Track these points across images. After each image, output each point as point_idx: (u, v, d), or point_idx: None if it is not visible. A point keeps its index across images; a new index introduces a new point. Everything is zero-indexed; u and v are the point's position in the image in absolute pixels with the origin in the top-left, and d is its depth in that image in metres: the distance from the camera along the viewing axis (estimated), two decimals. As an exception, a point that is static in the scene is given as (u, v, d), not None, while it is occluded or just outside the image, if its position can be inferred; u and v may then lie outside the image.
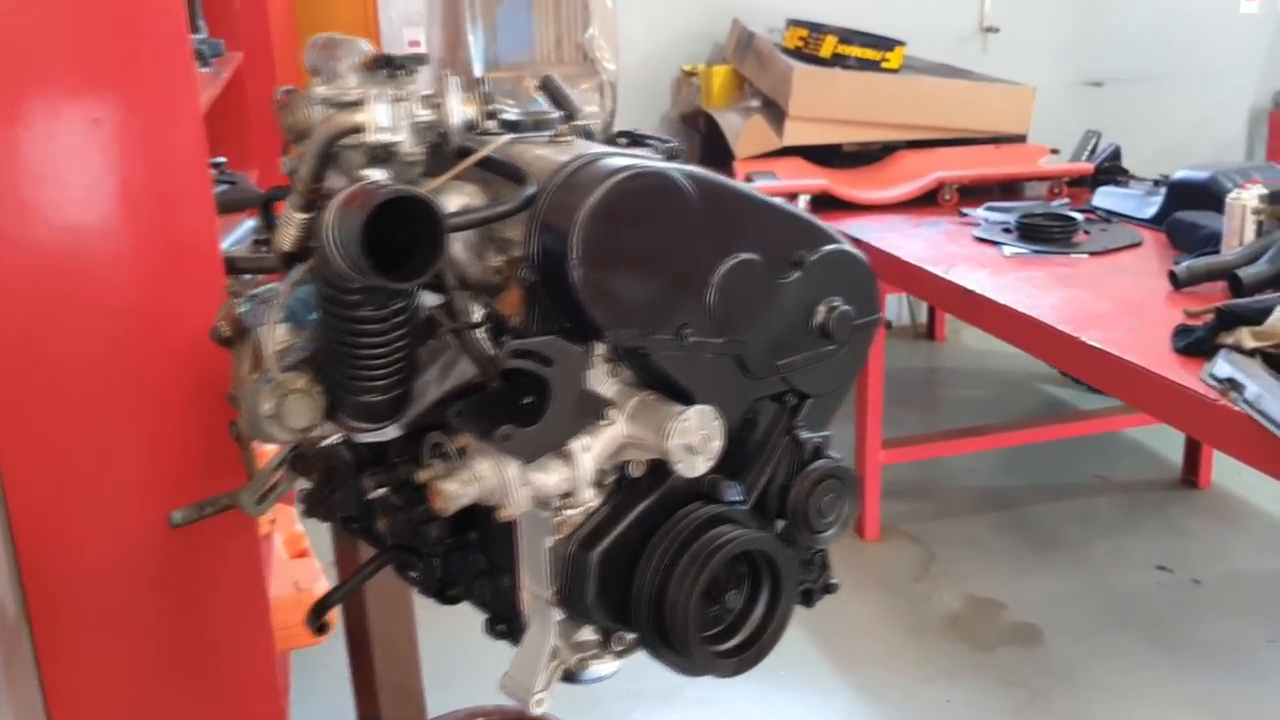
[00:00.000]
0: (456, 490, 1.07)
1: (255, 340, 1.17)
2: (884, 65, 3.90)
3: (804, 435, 1.22)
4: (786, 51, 3.99)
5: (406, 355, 1.08)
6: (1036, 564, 3.24)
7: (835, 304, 1.23)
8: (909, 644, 2.89)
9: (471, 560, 1.30)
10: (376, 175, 0.98)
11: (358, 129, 1.11)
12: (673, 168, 1.10)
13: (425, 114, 1.12)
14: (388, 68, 1.17)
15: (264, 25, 3.33)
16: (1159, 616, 2.99)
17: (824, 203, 3.59)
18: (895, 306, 5.39)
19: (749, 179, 3.75)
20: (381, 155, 1.13)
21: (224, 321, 1.20)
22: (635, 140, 1.31)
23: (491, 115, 1.15)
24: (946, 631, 2.94)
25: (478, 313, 1.12)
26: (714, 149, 4.18)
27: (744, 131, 3.90)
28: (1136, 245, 2.99)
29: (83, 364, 1.77)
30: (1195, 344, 2.09)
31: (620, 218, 1.04)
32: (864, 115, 3.83)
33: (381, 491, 1.22)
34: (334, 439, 1.25)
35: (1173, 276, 2.52)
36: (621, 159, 1.08)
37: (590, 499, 1.13)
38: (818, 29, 3.91)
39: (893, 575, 3.19)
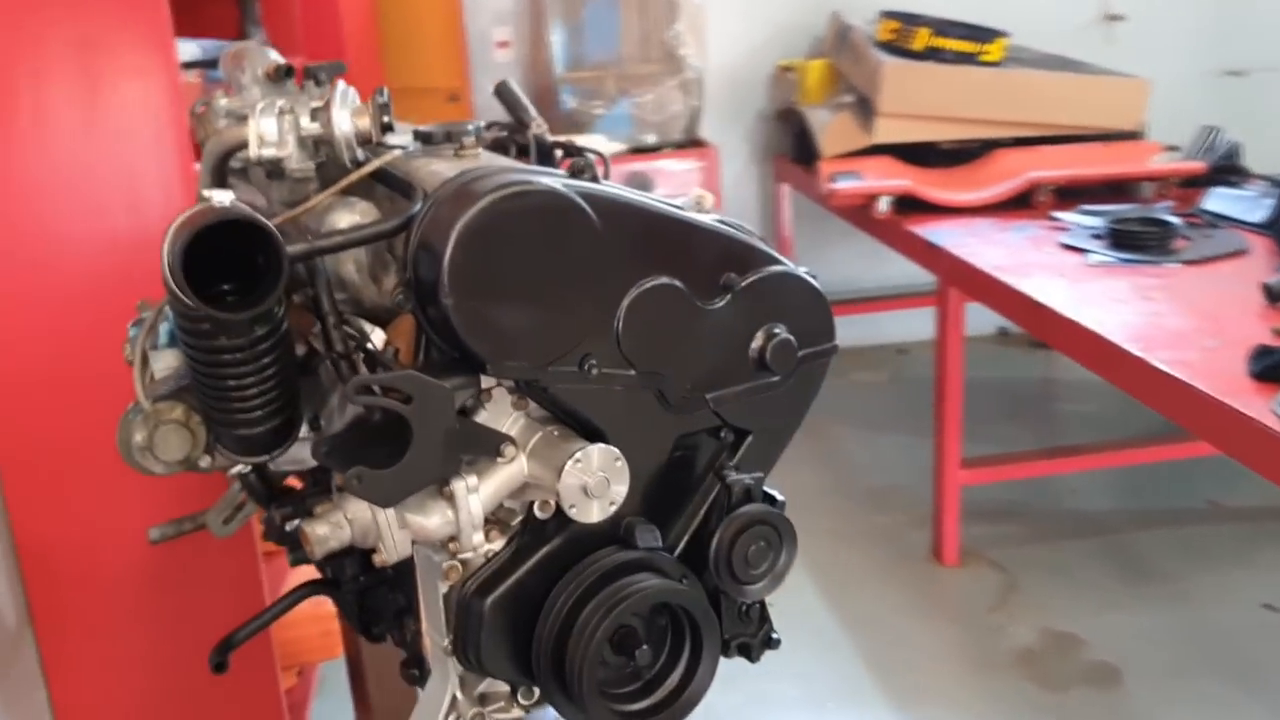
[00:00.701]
0: (325, 534, 1.01)
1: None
2: (982, 58, 3.70)
3: (731, 476, 1.12)
4: (879, 45, 3.83)
5: (281, 384, 1.02)
6: (1127, 597, 3.02)
7: (775, 331, 1.12)
8: (973, 680, 2.72)
9: (390, 598, 1.24)
10: (220, 196, 0.92)
11: (244, 144, 1.06)
12: (569, 184, 1.01)
13: (313, 127, 1.05)
14: (289, 78, 1.12)
15: (335, 30, 3.34)
16: (1257, 661, 2.75)
17: (908, 205, 3.43)
18: (1008, 312, 5.14)
19: (832, 179, 3.61)
20: (274, 171, 1.08)
21: (128, 343, 1.17)
22: (569, 151, 1.22)
23: (387, 127, 1.08)
24: (1016, 668, 2.76)
25: (375, 338, 1.05)
26: (804, 147, 4.05)
27: (830, 128, 3.76)
28: (1241, 253, 2.75)
29: (85, 370, 1.79)
30: (1273, 368, 1.89)
31: (498, 239, 0.96)
32: (959, 111, 3.64)
33: (294, 524, 1.17)
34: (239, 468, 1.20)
35: (1267, 290, 2.30)
36: (513, 175, 1.00)
37: (478, 544, 1.05)
38: (911, 20, 3.74)
39: (967, 604, 3.02)
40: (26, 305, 1.74)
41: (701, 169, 4.09)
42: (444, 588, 1.07)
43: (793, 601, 3.03)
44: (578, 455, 1.02)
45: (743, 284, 1.10)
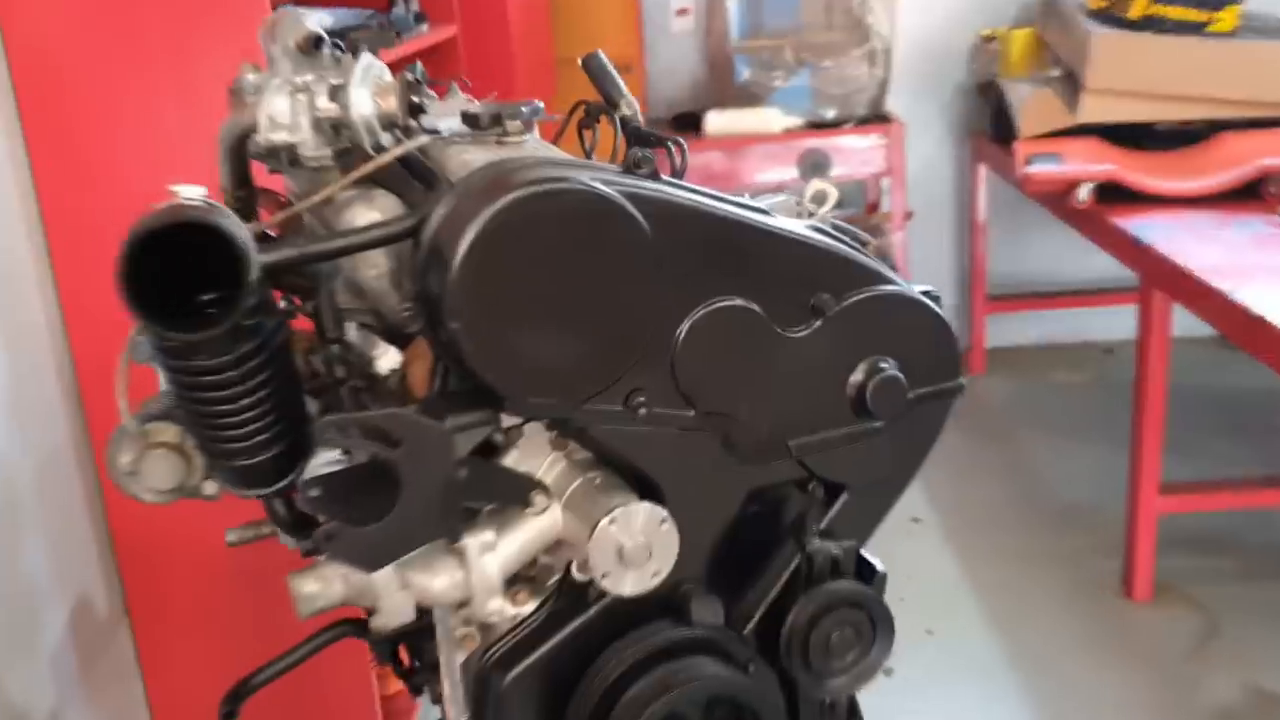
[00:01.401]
0: (313, 592, 0.87)
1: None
2: (1210, 28, 3.29)
3: (814, 543, 0.92)
4: (1091, 13, 3.46)
5: (280, 407, 0.87)
6: (1355, 655, 2.64)
7: (881, 366, 0.92)
8: (1159, 741, 2.41)
9: (428, 649, 1.10)
10: (189, 192, 0.78)
11: (255, 128, 0.92)
12: (615, 182, 0.83)
13: (330, 108, 0.91)
14: (319, 49, 0.97)
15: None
16: None
17: (1113, 193, 3.08)
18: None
19: (1028, 162, 3.29)
20: (294, 159, 0.94)
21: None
22: (649, 140, 1.04)
23: (416, 108, 0.92)
24: (1213, 730, 2.44)
25: (387, 360, 0.91)
26: (1002, 125, 3.72)
27: (1030, 104, 3.42)
28: None
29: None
30: None
31: (520, 248, 0.80)
32: (1179, 88, 3.25)
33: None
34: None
35: None
36: (546, 169, 0.83)
37: (495, 610, 0.89)
38: (1129, -16, 3.36)
39: (1158, 648, 2.70)
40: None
41: (885, 146, 3.81)
42: (460, 657, 0.91)
43: (956, 630, 2.77)
44: (615, 513, 0.84)
45: (838, 307, 0.90)
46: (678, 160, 1.01)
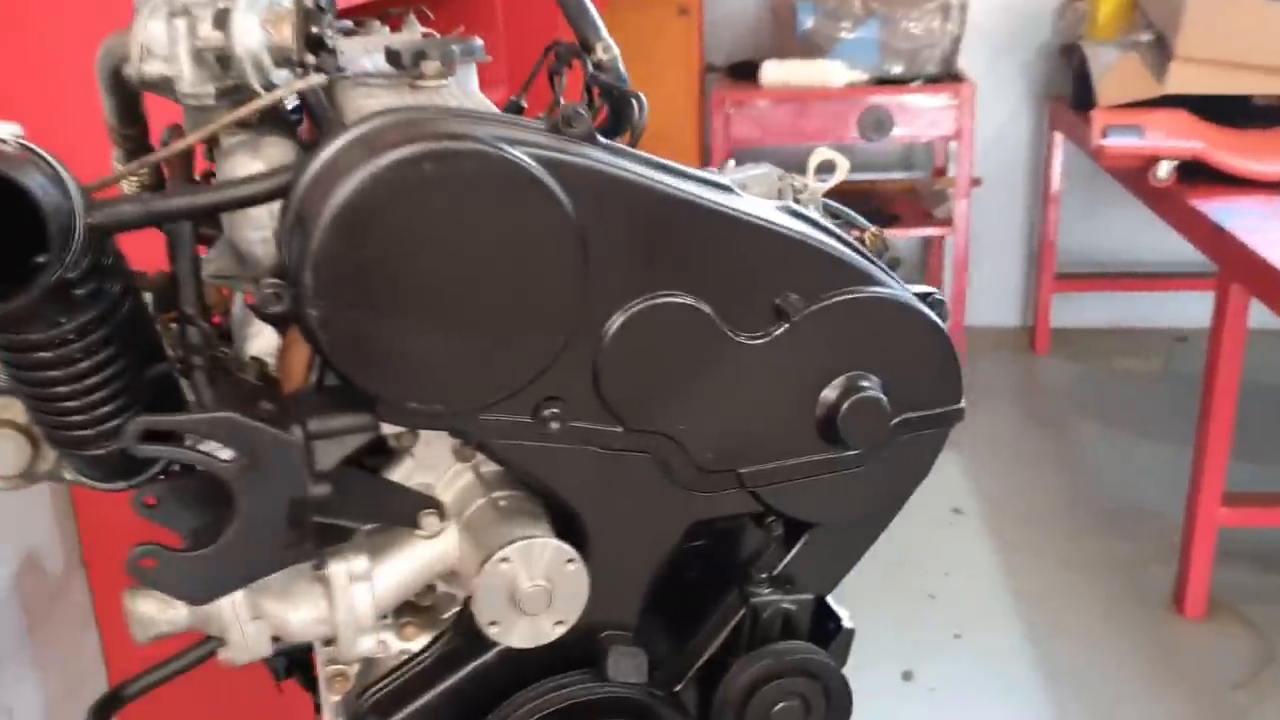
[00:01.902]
0: (150, 615, 0.74)
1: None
2: (1323, -7, 3.02)
3: (758, 594, 0.77)
4: (1189, -28, 3.20)
5: (132, 390, 0.73)
6: None
7: (860, 385, 0.76)
8: (1200, 776, 2.24)
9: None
10: (3, 130, 0.64)
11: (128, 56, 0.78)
12: (535, 142, 0.67)
13: (214, 36, 0.76)
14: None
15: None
16: None
17: (1197, 172, 2.85)
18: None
19: (1104, 133, 3.05)
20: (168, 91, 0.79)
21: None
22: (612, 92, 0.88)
23: (315, 42, 0.76)
24: (1260, 768, 2.26)
25: (257, 344, 0.76)
26: (1082, 92, 3.47)
27: (1112, 71, 3.18)
28: None
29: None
30: None
31: (399, 222, 0.65)
32: (1281, 60, 3.00)
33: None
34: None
35: None
36: (445, 123, 0.67)
37: (367, 650, 0.75)
38: (1233, -57, 3.09)
39: (1208, 671, 2.51)
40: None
41: (955, 108, 3.58)
42: (333, 698, 0.77)
43: (989, 636, 2.61)
44: (509, 549, 0.70)
45: (806, 310, 0.74)
46: (636, 118, 0.84)
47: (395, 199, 0.64)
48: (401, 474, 0.77)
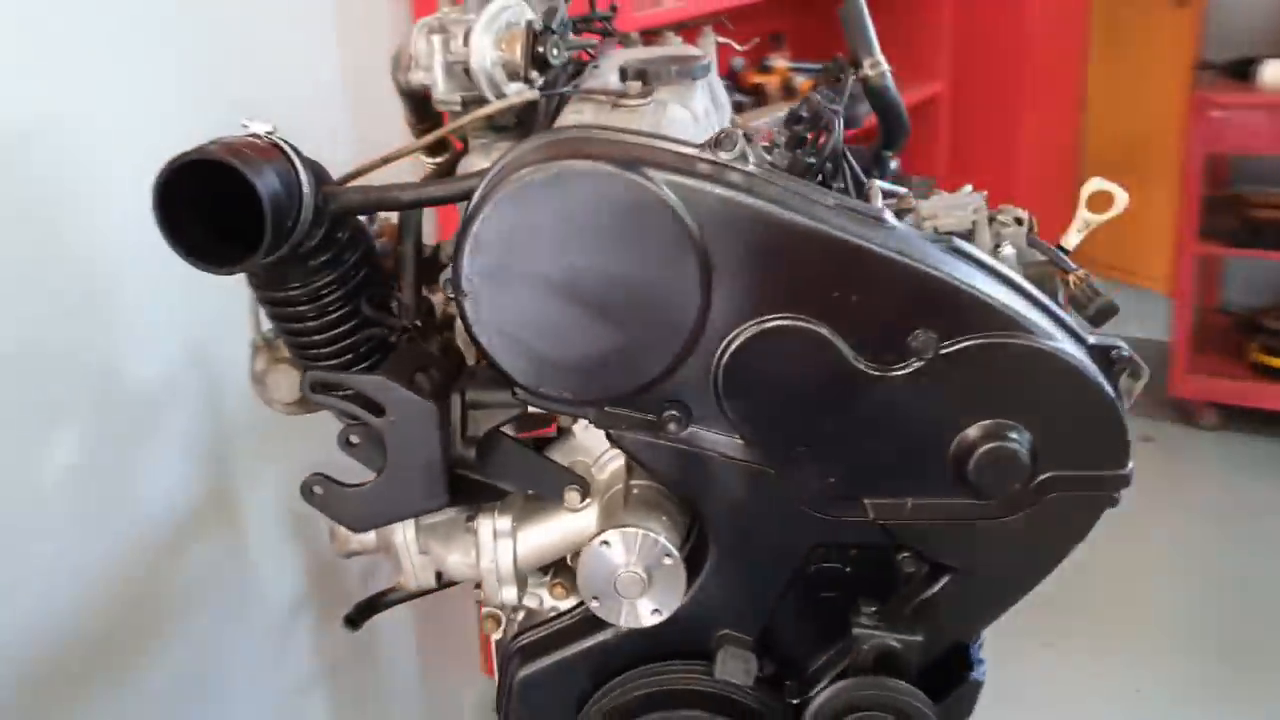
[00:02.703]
0: (346, 535, 0.88)
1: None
2: None
3: (862, 625, 0.78)
4: None
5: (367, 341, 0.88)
6: None
7: (1004, 433, 0.75)
8: None
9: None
10: (258, 127, 0.79)
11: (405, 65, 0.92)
12: (675, 169, 0.73)
13: (463, 52, 0.88)
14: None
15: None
16: None
17: None
18: None
19: None
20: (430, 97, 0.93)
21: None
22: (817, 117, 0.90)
23: (541, 61, 0.86)
24: None
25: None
26: None
27: None
28: None
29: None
30: None
31: (535, 230, 0.74)
32: None
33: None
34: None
35: None
36: (590, 143, 0.75)
37: (511, 599, 0.86)
38: None
39: None
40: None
41: None
42: (495, 634, 0.89)
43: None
44: (611, 534, 0.77)
45: (942, 350, 0.74)
46: (824, 140, 0.86)
47: (529, 210, 0.73)
48: (562, 451, 0.86)
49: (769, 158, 0.90)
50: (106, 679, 1.36)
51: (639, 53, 1.02)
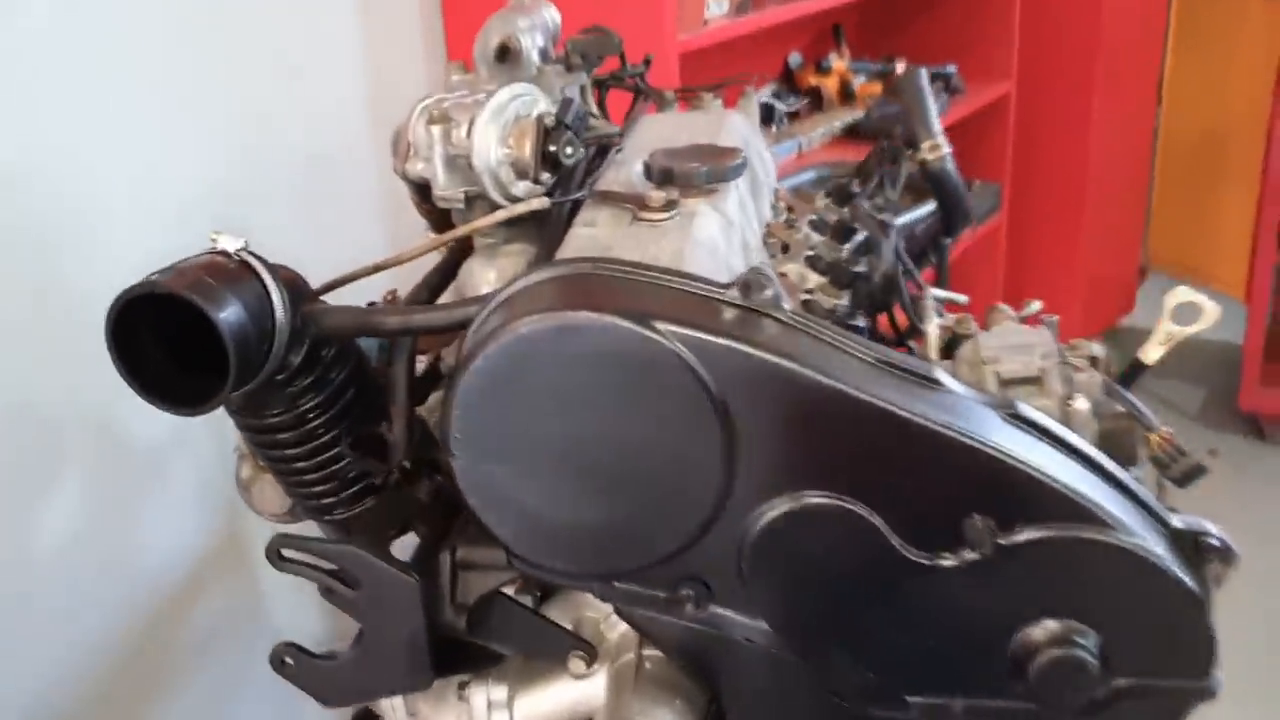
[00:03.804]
0: None
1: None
2: None
3: (898, 843, 0.68)
4: None
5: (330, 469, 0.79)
6: None
7: (1065, 637, 0.65)
8: None
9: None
10: (227, 242, 0.70)
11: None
12: (690, 322, 0.63)
13: (465, 144, 0.78)
14: (504, 61, 0.84)
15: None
16: None
17: None
18: None
19: None
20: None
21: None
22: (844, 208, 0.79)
23: (551, 161, 0.76)
24: None
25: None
26: None
27: None
28: None
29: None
30: None
31: (535, 388, 0.65)
32: None
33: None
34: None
35: None
36: (609, 289, 0.65)
37: (504, 771, 0.77)
38: None
39: None
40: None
41: None
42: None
43: None
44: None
45: (1002, 542, 0.63)
46: (885, 250, 0.75)
47: (527, 369, 0.63)
48: (566, 606, 0.77)
49: (811, 278, 0.80)
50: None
51: (668, 130, 0.91)
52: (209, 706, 1.44)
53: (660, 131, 0.92)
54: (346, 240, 1.57)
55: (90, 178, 1.24)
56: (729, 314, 0.65)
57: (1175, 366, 3.56)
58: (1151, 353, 0.89)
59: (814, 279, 0.90)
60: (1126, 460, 0.73)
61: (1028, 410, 0.66)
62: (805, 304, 0.82)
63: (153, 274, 0.69)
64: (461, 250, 0.89)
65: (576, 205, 0.80)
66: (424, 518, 0.73)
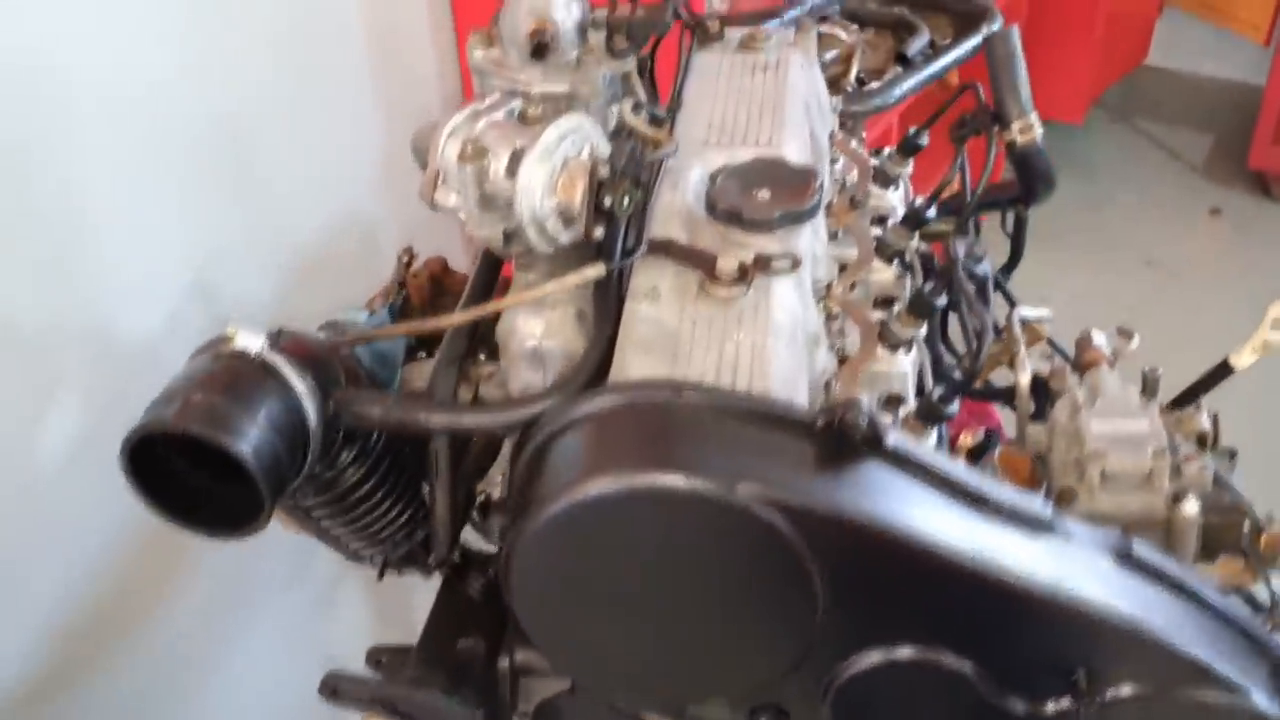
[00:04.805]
0: None
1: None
2: None
3: None
4: None
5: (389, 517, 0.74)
6: None
7: None
8: None
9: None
10: (245, 341, 0.61)
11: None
12: (766, 480, 0.57)
13: (505, 185, 0.67)
14: (541, 56, 0.72)
15: None
16: None
17: None
18: None
19: None
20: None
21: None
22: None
23: (604, 213, 0.66)
24: None
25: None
26: None
27: None
28: None
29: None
30: None
31: (604, 546, 0.59)
32: None
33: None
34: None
35: None
36: (683, 444, 0.58)
37: None
38: None
39: None
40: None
41: None
42: None
43: None
44: None
45: (1100, 699, 0.60)
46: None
47: (601, 529, 0.58)
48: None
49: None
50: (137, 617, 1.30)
51: (721, 105, 0.79)
52: (218, 604, 1.43)
53: (714, 109, 0.80)
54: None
55: (64, 78, 1.11)
56: (819, 461, 0.58)
57: (1184, 111, 3.45)
58: (1244, 359, 0.83)
59: (883, 272, 0.81)
60: (1231, 547, 0.69)
61: (1143, 552, 0.61)
62: (880, 333, 0.74)
63: (161, 400, 0.61)
64: (492, 270, 0.79)
65: (630, 247, 0.70)
66: (478, 623, 0.69)
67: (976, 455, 0.85)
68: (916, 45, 1.51)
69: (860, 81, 1.47)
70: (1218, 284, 2.64)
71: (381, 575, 0.74)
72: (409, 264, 0.91)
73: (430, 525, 0.70)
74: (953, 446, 0.82)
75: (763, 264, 0.65)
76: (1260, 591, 0.73)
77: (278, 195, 1.36)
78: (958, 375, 0.74)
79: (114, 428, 0.64)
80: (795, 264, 0.65)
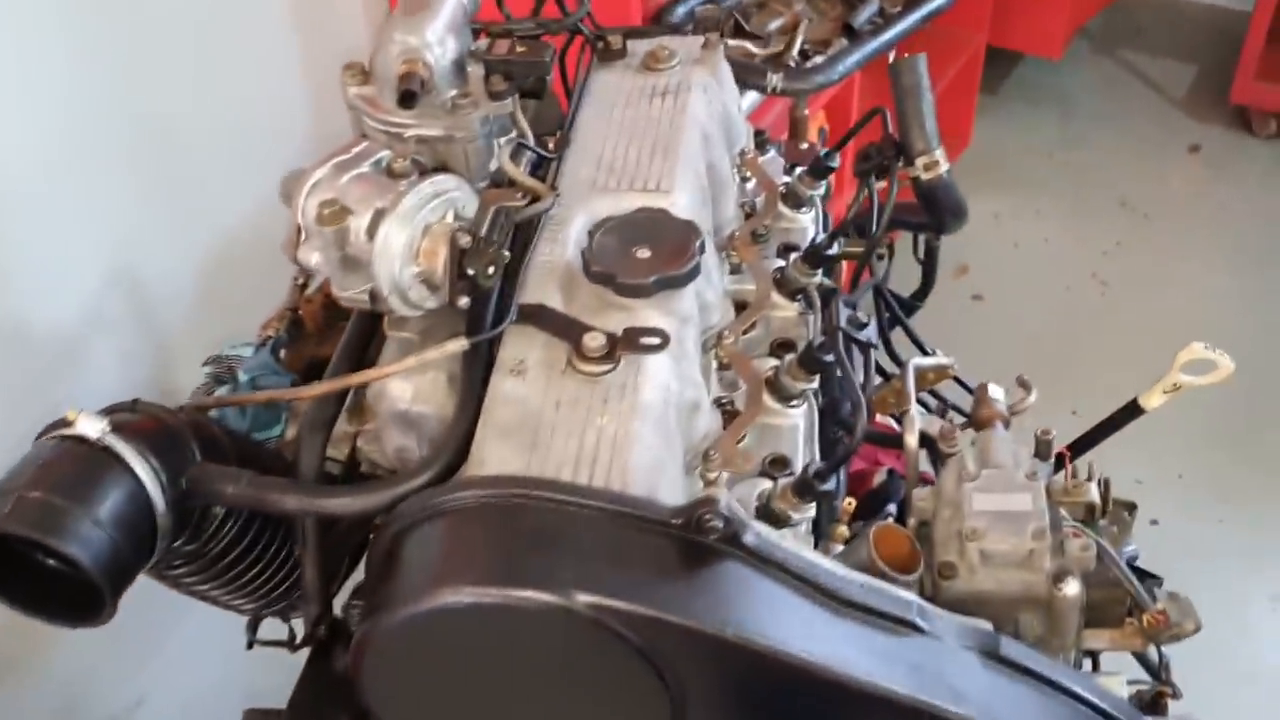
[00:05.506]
0: None
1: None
2: None
3: None
4: None
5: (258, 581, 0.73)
6: None
7: None
8: None
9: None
10: (86, 426, 0.58)
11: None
12: (616, 591, 0.55)
13: (364, 247, 0.64)
14: (409, 105, 0.68)
15: None
16: None
17: None
18: None
19: None
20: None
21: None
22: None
23: (468, 281, 0.63)
24: None
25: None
26: None
27: None
28: None
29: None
30: None
31: (449, 652, 0.58)
32: None
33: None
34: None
35: None
36: (537, 553, 0.56)
37: None
38: None
39: None
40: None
41: None
42: None
43: None
44: None
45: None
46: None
47: (448, 636, 0.56)
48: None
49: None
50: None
51: (611, 143, 0.75)
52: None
53: (605, 146, 0.76)
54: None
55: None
56: (675, 562, 0.56)
57: (1168, 40, 3.36)
58: (1154, 399, 0.80)
59: (785, 309, 0.78)
60: (1115, 622, 0.67)
61: (1011, 650, 0.59)
62: (770, 385, 0.71)
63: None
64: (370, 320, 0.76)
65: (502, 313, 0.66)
66: (345, 696, 0.67)
67: (876, 499, 0.83)
68: (865, 14, 1.46)
69: (804, 55, 1.42)
70: (1194, 226, 2.59)
71: (250, 645, 0.72)
72: (304, 287, 0.88)
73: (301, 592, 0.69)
74: (853, 489, 0.80)
75: (630, 342, 0.62)
76: (1151, 652, 0.72)
77: (200, 180, 1.32)
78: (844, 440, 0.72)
79: (27, 423, 0.63)
80: (664, 342, 0.63)
